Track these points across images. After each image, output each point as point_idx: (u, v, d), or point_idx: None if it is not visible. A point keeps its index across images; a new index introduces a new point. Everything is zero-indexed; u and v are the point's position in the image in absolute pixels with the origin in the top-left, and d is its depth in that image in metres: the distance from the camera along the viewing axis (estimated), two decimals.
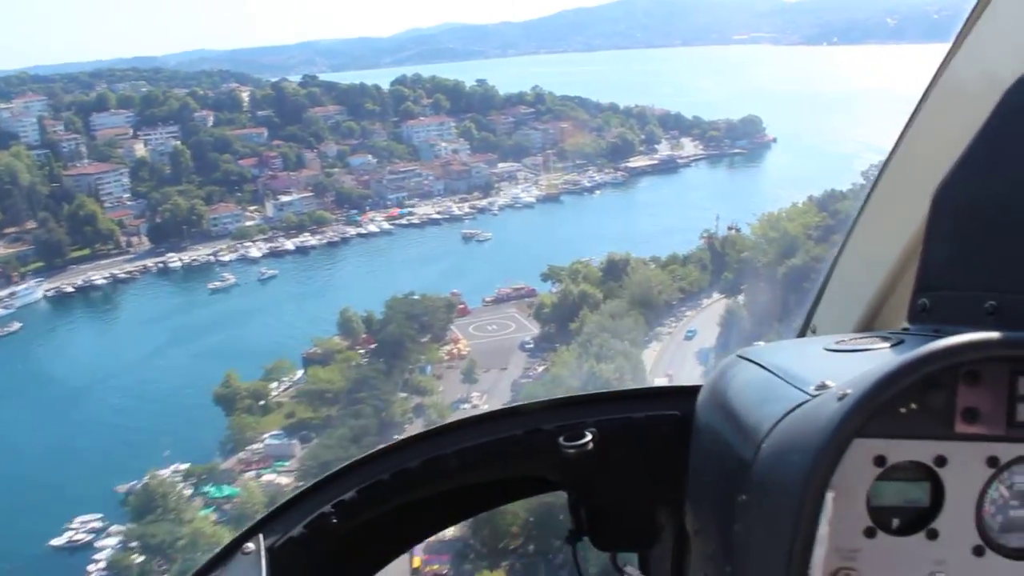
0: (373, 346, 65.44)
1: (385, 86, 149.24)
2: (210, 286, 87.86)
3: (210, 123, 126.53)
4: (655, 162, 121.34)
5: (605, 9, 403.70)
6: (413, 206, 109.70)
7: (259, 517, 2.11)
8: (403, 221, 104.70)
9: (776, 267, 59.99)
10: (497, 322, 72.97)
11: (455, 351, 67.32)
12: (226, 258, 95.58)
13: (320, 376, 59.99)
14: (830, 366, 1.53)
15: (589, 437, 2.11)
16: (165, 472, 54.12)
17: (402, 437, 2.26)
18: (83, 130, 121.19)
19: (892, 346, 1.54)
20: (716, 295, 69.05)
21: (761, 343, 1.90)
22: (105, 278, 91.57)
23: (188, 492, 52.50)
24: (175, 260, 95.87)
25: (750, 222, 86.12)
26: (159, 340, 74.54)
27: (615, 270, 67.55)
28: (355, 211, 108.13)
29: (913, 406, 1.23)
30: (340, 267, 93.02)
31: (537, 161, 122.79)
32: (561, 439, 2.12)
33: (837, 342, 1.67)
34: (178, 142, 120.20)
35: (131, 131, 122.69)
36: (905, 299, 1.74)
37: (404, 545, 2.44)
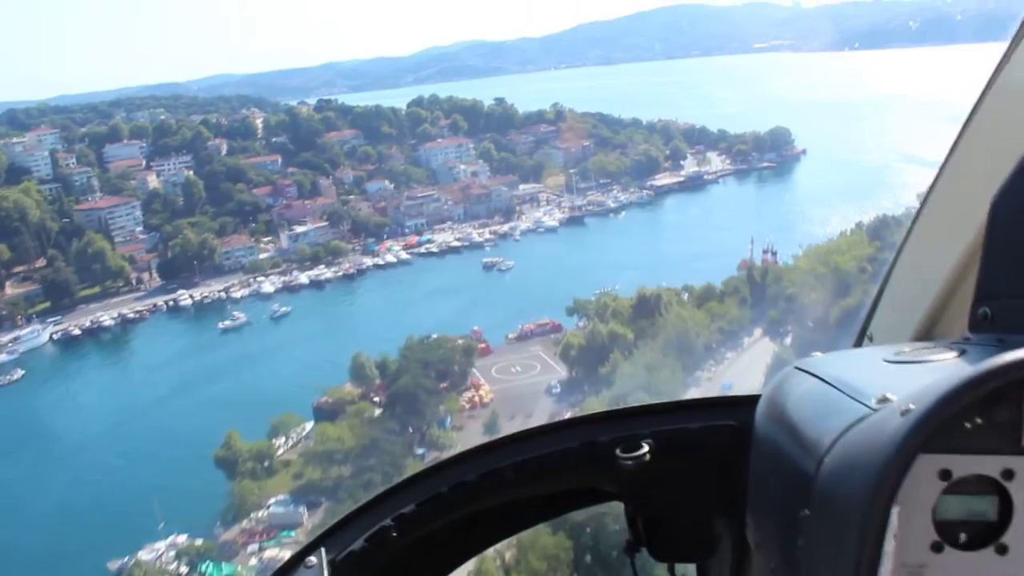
0: (388, 396, 59.72)
1: (404, 106, 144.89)
2: (221, 326, 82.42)
3: (223, 151, 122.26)
4: (681, 179, 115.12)
5: (623, 22, 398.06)
6: (432, 233, 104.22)
7: (321, 531, 2.09)
8: (422, 250, 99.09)
9: (828, 307, 53.64)
10: (521, 363, 66.82)
11: (477, 398, 61.27)
12: (238, 294, 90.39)
13: (329, 434, 53.90)
14: (891, 378, 1.49)
15: (646, 448, 2.07)
16: (161, 545, 48.83)
17: (460, 450, 2.22)
18: (95, 162, 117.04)
19: (954, 357, 1.50)
20: (757, 332, 62.50)
21: (818, 353, 1.87)
22: (114, 318, 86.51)
23: (184, 571, 46.96)
24: (185, 297, 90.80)
25: (788, 245, 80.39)
26: (165, 388, 69.25)
27: (646, 307, 61.26)
28: (372, 240, 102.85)
29: (978, 420, 1.19)
30: (356, 301, 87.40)
31: (559, 181, 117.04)
32: (618, 450, 2.08)
33: (896, 353, 1.64)
34: (191, 172, 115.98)
35: (144, 162, 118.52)
36: (964, 307, 1.73)
37: (463, 557, 2.36)
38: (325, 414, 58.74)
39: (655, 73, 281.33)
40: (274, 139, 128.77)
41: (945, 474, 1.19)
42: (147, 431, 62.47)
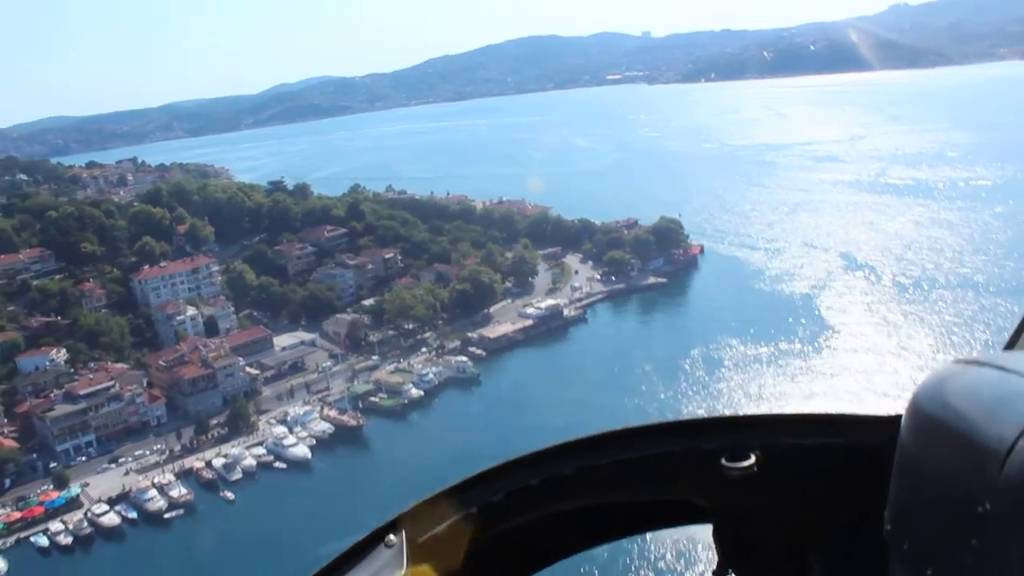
0: None
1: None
2: None
3: None
4: (530, 323, 64.73)
5: (472, 55, 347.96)
6: (92, 473, 51.07)
7: (404, 510, 1.84)
8: (49, 529, 45.69)
9: None
10: None
11: None
12: None
13: None
14: None
15: (752, 459, 1.80)
16: None
17: (555, 444, 1.92)
18: None
19: None
20: None
21: (977, 351, 1.70)
22: None
23: None
24: None
25: None
26: None
27: None
28: None
29: None
30: None
31: (340, 328, 65.36)
32: (723, 459, 1.83)
33: None
34: None
35: None
36: None
37: (542, 562, 2.01)
38: None
39: (505, 112, 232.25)
40: None
41: None
42: None
